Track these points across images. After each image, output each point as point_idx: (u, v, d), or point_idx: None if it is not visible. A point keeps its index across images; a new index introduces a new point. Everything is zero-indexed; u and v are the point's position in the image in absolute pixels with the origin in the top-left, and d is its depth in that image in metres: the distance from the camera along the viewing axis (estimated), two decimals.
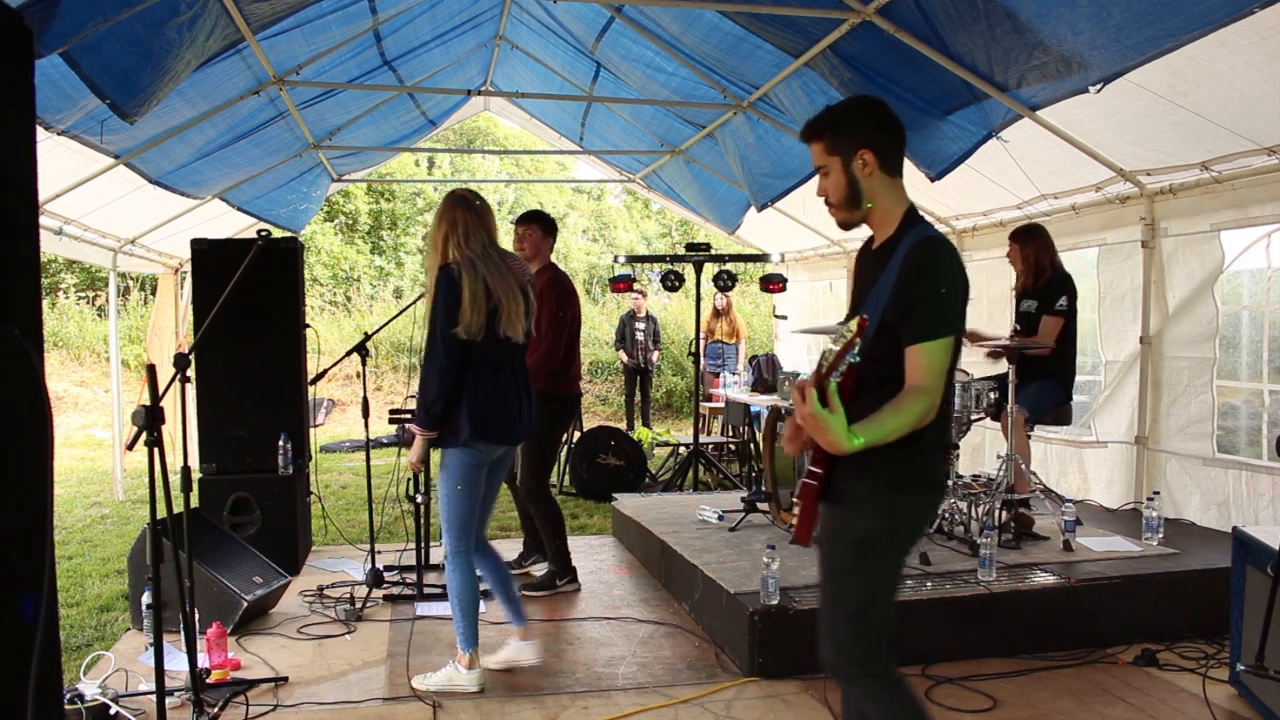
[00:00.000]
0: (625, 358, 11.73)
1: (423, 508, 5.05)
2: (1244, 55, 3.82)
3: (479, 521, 3.74)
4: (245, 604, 4.28)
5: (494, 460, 3.71)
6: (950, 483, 4.96)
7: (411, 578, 5.07)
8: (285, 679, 3.77)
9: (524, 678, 3.83)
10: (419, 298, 5.57)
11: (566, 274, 5.08)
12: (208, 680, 3.57)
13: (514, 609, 3.87)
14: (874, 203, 2.27)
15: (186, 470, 3.19)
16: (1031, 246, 5.11)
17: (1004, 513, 4.75)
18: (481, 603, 3.89)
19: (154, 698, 2.96)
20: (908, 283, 2.14)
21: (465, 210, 3.53)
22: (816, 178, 2.37)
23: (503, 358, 3.58)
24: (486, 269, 3.48)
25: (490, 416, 3.54)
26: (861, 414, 2.12)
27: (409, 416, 4.90)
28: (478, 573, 3.71)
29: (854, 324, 2.02)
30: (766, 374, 9.36)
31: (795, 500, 2.28)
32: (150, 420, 2.81)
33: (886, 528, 2.24)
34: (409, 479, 5.03)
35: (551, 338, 4.76)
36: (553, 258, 5.07)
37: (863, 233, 2.41)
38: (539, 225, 4.92)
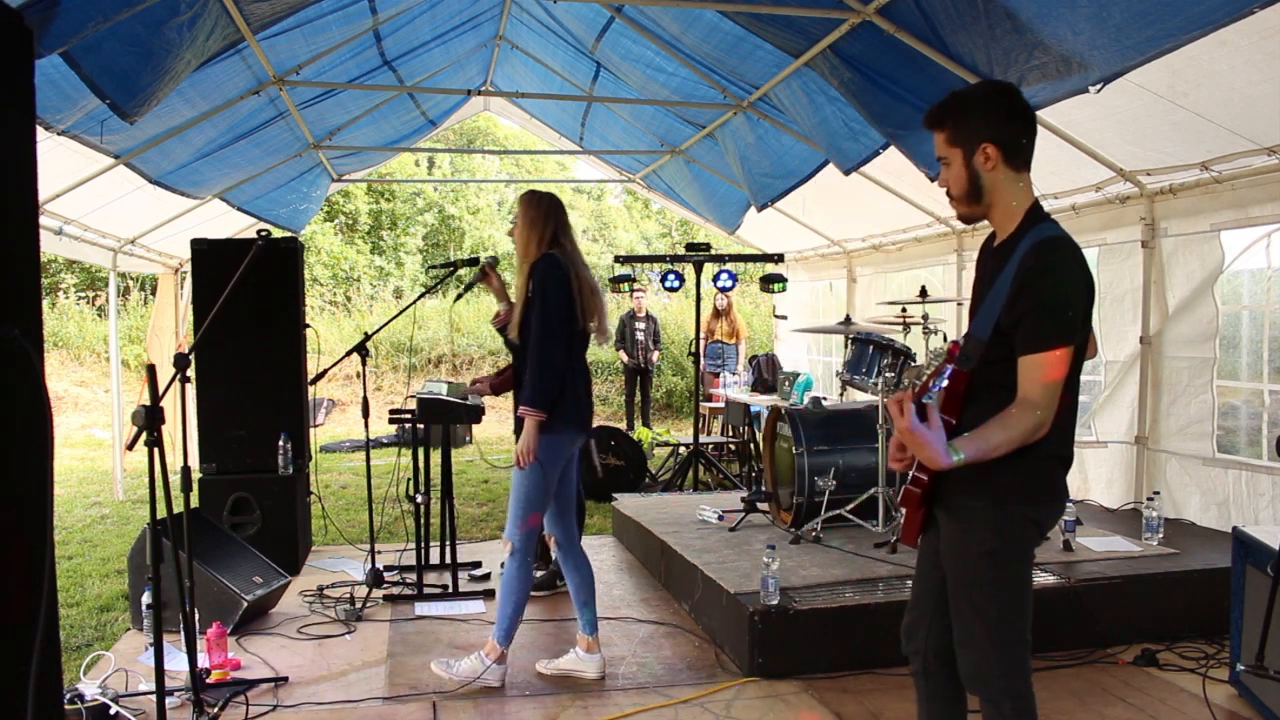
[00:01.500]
0: (625, 358, 11.72)
1: (422, 508, 5.05)
2: (1244, 55, 3.82)
3: (570, 521, 3.83)
4: (245, 604, 4.28)
5: (571, 454, 3.77)
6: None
7: (411, 578, 5.07)
8: (285, 679, 3.78)
9: (525, 677, 3.83)
10: (419, 297, 5.59)
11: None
12: (208, 680, 3.57)
13: (585, 614, 3.85)
14: (996, 199, 2.18)
15: (186, 470, 3.19)
16: None
17: None
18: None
19: (154, 698, 2.96)
20: (1023, 287, 2.05)
21: (561, 209, 3.74)
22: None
23: (584, 350, 3.73)
24: (579, 267, 3.68)
25: (584, 404, 3.70)
26: (973, 421, 2.07)
27: (409, 416, 4.92)
28: (532, 571, 3.79)
29: (945, 348, 1.98)
30: (766, 374, 9.37)
31: (899, 506, 2.26)
32: (150, 420, 2.81)
33: (1009, 540, 2.17)
34: (409, 479, 5.04)
35: None
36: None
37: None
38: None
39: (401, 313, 5.79)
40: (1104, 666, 3.90)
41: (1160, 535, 4.70)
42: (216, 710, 3.39)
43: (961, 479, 2.13)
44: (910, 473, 2.23)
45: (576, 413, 3.64)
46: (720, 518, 5.42)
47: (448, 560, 5.06)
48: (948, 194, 2.24)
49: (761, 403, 8.14)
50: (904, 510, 2.27)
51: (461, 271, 4.54)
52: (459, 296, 4.71)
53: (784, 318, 10.98)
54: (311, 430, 5.89)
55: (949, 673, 2.33)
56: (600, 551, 6.00)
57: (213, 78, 5.21)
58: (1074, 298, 2.07)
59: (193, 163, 6.30)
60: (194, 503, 3.87)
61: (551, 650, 4.10)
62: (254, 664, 3.96)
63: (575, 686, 3.74)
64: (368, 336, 4.85)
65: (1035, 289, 2.04)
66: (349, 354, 4.83)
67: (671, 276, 7.71)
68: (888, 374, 4.96)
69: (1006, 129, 2.14)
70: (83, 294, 15.20)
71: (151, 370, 2.89)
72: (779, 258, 7.97)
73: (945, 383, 2.04)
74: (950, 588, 2.26)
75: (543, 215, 3.67)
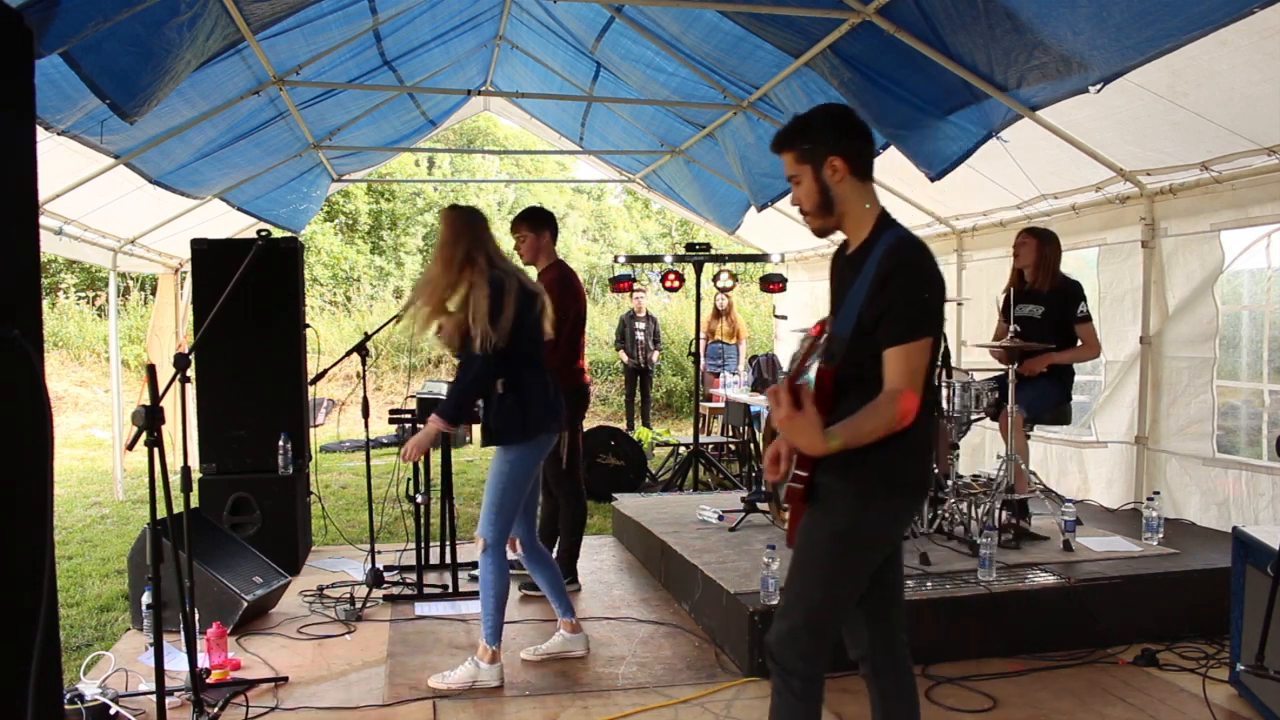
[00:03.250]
0: (625, 358, 11.72)
1: (422, 508, 5.05)
2: (1244, 55, 3.82)
3: (532, 519, 3.95)
4: (245, 604, 4.28)
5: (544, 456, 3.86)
6: (950, 483, 4.96)
7: (411, 578, 5.07)
8: (285, 679, 3.78)
9: (524, 677, 3.83)
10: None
11: (573, 271, 4.95)
12: (208, 680, 3.57)
13: (563, 603, 4.02)
14: (847, 209, 2.30)
15: (186, 470, 3.19)
16: (1051, 249, 5.11)
17: (1004, 513, 4.75)
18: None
19: (154, 698, 2.96)
20: (883, 285, 2.17)
21: (484, 225, 3.74)
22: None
23: (538, 354, 3.77)
24: (513, 276, 3.68)
25: (554, 406, 3.77)
26: (844, 416, 2.15)
27: (409, 416, 4.91)
28: (511, 570, 3.85)
29: (808, 332, 2.07)
30: (766, 374, 9.37)
31: (784, 504, 2.33)
32: (150, 420, 2.81)
33: (862, 526, 2.27)
34: (409, 479, 5.04)
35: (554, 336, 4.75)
36: (562, 260, 4.94)
37: None
38: (526, 225, 4.77)
39: (402, 312, 5.77)
40: (1104, 666, 3.90)
41: (1160, 535, 4.70)
42: (216, 710, 3.39)
43: (831, 467, 2.22)
44: (791, 472, 2.30)
45: (545, 417, 3.73)
46: (720, 518, 5.42)
47: (448, 560, 5.06)
48: (801, 210, 2.36)
49: (761, 403, 8.14)
50: (787, 509, 2.35)
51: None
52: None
53: (784, 318, 10.98)
54: (311, 430, 5.89)
55: (899, 668, 2.44)
56: (600, 551, 6.00)
57: (213, 78, 5.21)
58: (931, 292, 2.21)
59: (193, 163, 6.30)
60: (194, 503, 3.87)
61: None
62: (254, 664, 3.96)
63: (575, 686, 3.75)
64: (368, 336, 4.85)
65: (896, 285, 2.16)
66: (349, 354, 4.83)
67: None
68: None
69: (849, 144, 2.28)
70: (83, 294, 15.20)
71: (151, 370, 2.89)
72: (779, 258, 7.98)
73: (816, 367, 2.12)
74: (792, 562, 2.36)
75: (454, 234, 3.64)
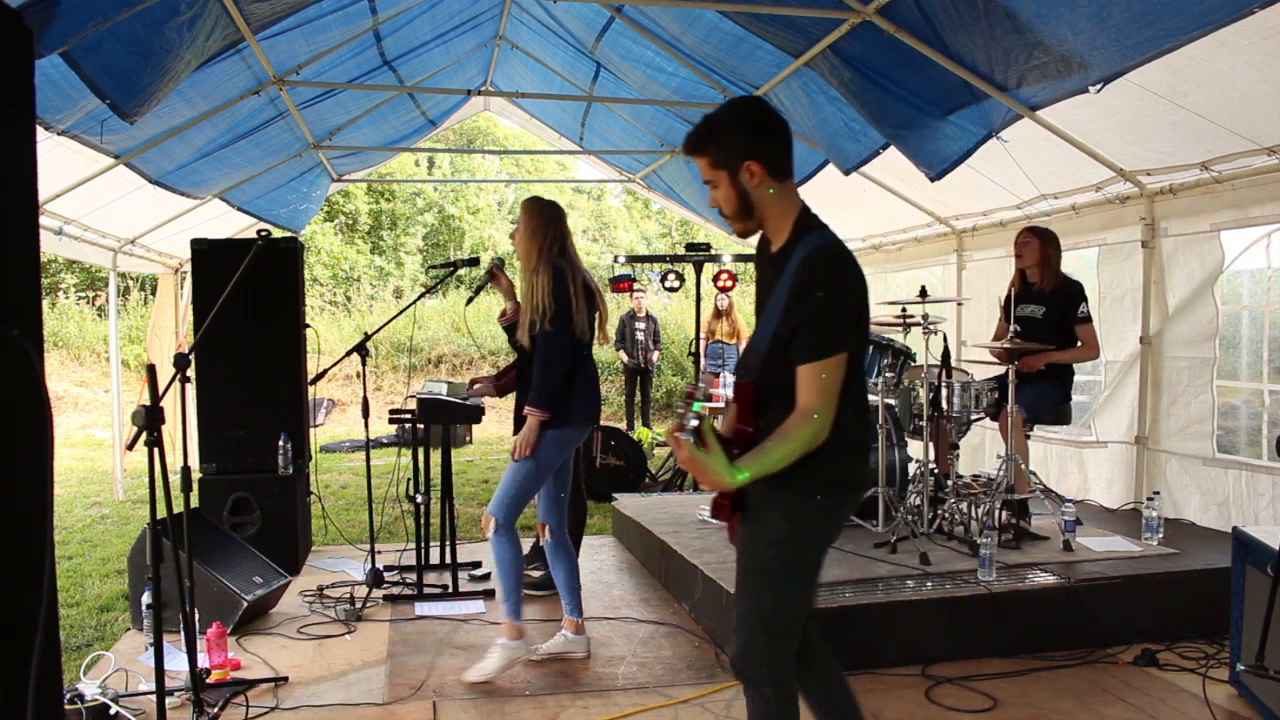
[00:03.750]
0: (625, 358, 11.72)
1: (422, 508, 5.05)
2: (1244, 55, 3.82)
3: (564, 510, 4.01)
4: (245, 604, 4.28)
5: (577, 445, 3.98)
6: (950, 483, 4.96)
7: (411, 578, 5.07)
8: (285, 679, 3.78)
9: (524, 677, 3.83)
10: (419, 297, 5.59)
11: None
12: (208, 680, 3.57)
13: (574, 601, 4.04)
14: (767, 211, 2.25)
15: (186, 470, 3.19)
16: (1053, 249, 5.12)
17: (1004, 513, 4.75)
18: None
19: (154, 698, 2.96)
20: (796, 299, 2.12)
21: (562, 217, 3.92)
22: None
23: (586, 347, 3.91)
24: (580, 272, 3.89)
25: (593, 398, 3.91)
26: (767, 429, 2.14)
27: (409, 416, 4.91)
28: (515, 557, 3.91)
29: (685, 388, 2.06)
30: None
31: (714, 519, 2.33)
32: (150, 420, 2.81)
33: (800, 530, 2.25)
34: (409, 479, 5.04)
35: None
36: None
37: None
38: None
39: (401, 313, 5.78)
40: (1104, 666, 3.90)
41: (1160, 535, 4.70)
42: (216, 710, 3.39)
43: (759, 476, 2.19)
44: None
45: (587, 407, 3.87)
46: None
47: (448, 560, 5.06)
48: (721, 213, 2.31)
49: None
50: (728, 526, 2.36)
51: (462, 271, 4.57)
52: (470, 300, 4.72)
53: None
54: (311, 430, 5.89)
55: (815, 661, 2.43)
56: (600, 551, 6.00)
57: (213, 78, 5.21)
58: (844, 305, 2.14)
59: (193, 163, 6.30)
60: (194, 503, 3.87)
61: None
62: (254, 664, 3.96)
63: (575, 686, 3.75)
64: (368, 336, 4.85)
65: (807, 301, 2.11)
66: (349, 354, 4.83)
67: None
68: (888, 374, 4.96)
69: (764, 145, 2.20)
70: (83, 294, 15.20)
71: (151, 370, 2.89)
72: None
73: (697, 416, 2.07)
74: (737, 570, 2.37)
75: (544, 224, 3.86)
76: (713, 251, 7.57)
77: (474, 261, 4.73)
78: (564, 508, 4.02)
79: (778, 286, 2.20)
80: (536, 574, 5.14)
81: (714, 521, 5.36)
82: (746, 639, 2.29)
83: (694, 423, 2.06)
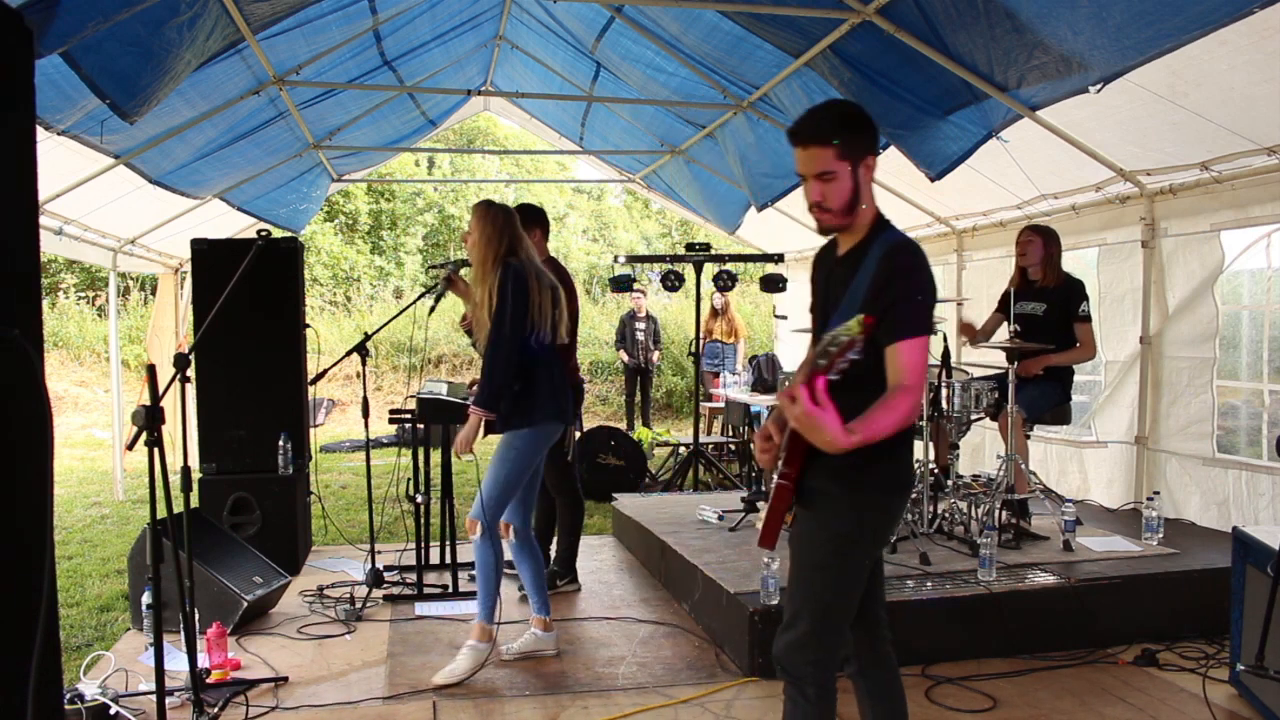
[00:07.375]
0: (625, 358, 11.72)
1: (422, 508, 5.05)
2: (1244, 55, 3.82)
3: (528, 510, 4.03)
4: (245, 604, 4.28)
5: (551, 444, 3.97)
6: (950, 482, 4.96)
7: (411, 578, 5.07)
8: (285, 679, 3.78)
9: (524, 677, 3.83)
10: (419, 297, 5.57)
11: (565, 269, 4.92)
12: (208, 680, 3.57)
13: (541, 598, 4.05)
14: (866, 206, 2.28)
15: (186, 470, 3.19)
16: (1055, 247, 5.12)
17: (1004, 513, 4.75)
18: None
19: (154, 698, 2.96)
20: (886, 284, 2.16)
21: (515, 220, 3.88)
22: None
23: (550, 346, 3.90)
24: (537, 272, 3.86)
25: (559, 396, 3.87)
26: (845, 417, 2.11)
27: (409, 416, 4.91)
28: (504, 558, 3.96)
29: (855, 323, 1.95)
30: (766, 374, 9.36)
31: (768, 504, 2.30)
32: (150, 420, 2.81)
33: (860, 527, 2.28)
34: (409, 479, 5.04)
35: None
36: (554, 257, 4.96)
37: None
38: None
39: (401, 313, 5.77)
40: (1104, 666, 3.90)
41: (1160, 535, 4.70)
42: (216, 710, 3.39)
43: (820, 470, 2.22)
44: (778, 467, 2.29)
45: (553, 406, 3.84)
46: (720, 518, 5.42)
47: (448, 560, 5.06)
48: (822, 207, 2.25)
49: (761, 403, 8.14)
50: (767, 508, 2.31)
51: (464, 271, 4.50)
52: (431, 309, 4.62)
53: (784, 318, 10.97)
54: (311, 430, 5.89)
55: (885, 665, 2.45)
56: (600, 551, 6.00)
57: (213, 78, 5.21)
58: (930, 293, 2.23)
59: (193, 163, 6.30)
60: (194, 503, 3.87)
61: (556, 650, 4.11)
62: (254, 664, 3.96)
63: (575, 686, 3.74)
64: (368, 336, 4.84)
65: (901, 283, 2.16)
66: (349, 354, 4.82)
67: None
68: None
69: (877, 145, 2.29)
70: (83, 294, 15.19)
71: (151, 370, 2.89)
72: (779, 258, 7.97)
73: (858, 356, 2.03)
74: (791, 571, 2.36)
75: (498, 228, 3.81)
76: (713, 251, 7.57)
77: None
78: (529, 508, 4.06)
79: (853, 283, 2.22)
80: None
81: (714, 522, 5.39)
82: (799, 635, 2.29)
83: (848, 362, 2.00)
